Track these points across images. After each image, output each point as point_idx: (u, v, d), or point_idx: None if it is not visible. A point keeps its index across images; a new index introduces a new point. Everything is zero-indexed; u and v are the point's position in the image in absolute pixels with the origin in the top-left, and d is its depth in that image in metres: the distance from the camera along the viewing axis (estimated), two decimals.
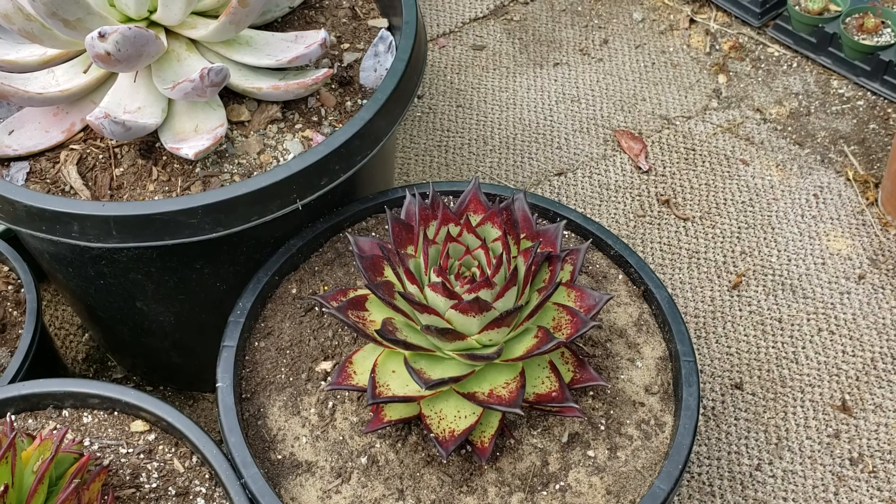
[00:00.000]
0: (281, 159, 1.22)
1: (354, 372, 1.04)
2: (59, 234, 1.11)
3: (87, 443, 1.08)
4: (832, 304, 1.66)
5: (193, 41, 1.27)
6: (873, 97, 2.03)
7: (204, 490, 1.05)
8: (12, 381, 1.23)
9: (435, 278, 0.98)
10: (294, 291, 1.21)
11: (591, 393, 1.11)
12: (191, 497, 1.05)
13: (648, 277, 1.21)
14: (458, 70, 2.10)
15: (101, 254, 1.19)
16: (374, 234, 1.27)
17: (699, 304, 1.67)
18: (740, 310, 1.66)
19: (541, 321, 1.03)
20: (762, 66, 2.13)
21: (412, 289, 1.00)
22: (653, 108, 2.02)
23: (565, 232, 1.28)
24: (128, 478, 1.05)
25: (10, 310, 1.36)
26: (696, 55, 2.15)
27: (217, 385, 1.09)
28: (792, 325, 1.64)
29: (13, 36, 1.27)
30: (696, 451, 1.49)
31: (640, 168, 1.89)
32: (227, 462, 1.04)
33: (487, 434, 1.01)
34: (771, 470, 1.47)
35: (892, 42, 2.02)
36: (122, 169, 1.22)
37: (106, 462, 1.04)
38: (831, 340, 1.61)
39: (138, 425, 1.10)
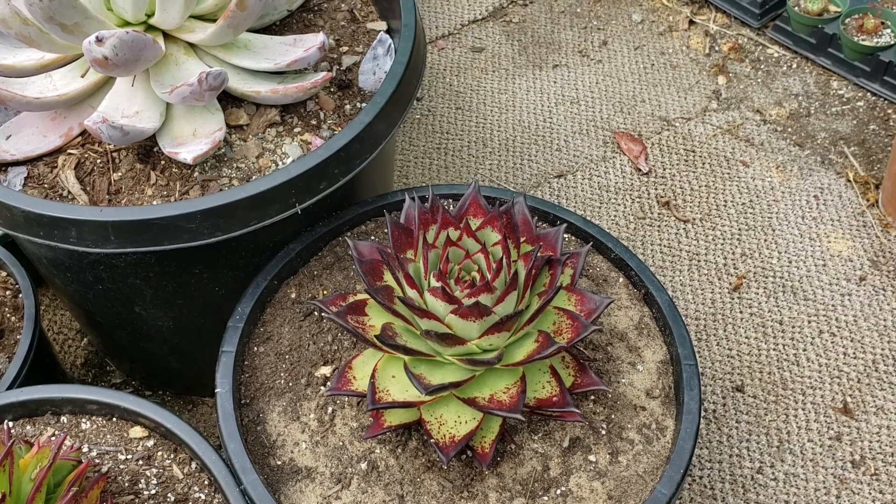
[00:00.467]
0: (280, 163, 1.22)
1: (354, 377, 1.04)
2: (57, 239, 1.11)
3: (85, 449, 1.07)
4: (833, 305, 1.66)
5: (191, 45, 1.26)
6: (873, 98, 2.02)
7: (203, 496, 1.05)
8: (10, 387, 1.23)
9: (435, 283, 0.98)
10: (293, 296, 1.20)
11: (592, 397, 1.10)
12: (190, 503, 1.04)
13: (649, 281, 1.20)
14: (457, 72, 2.09)
15: (99, 259, 1.18)
16: (373, 237, 1.27)
17: (700, 307, 1.67)
18: (741, 312, 1.66)
19: (541, 325, 1.03)
20: (762, 67, 2.12)
21: (412, 293, 0.99)
22: (652, 110, 2.02)
23: (565, 235, 1.27)
24: (127, 484, 1.04)
25: (8, 315, 1.35)
26: (695, 56, 2.15)
27: (216, 390, 1.08)
28: (793, 327, 1.63)
29: (10, 40, 1.26)
30: (697, 454, 1.48)
31: (639, 170, 1.89)
32: (226, 468, 1.03)
33: (488, 439, 1.01)
34: (772, 473, 1.46)
35: (892, 43, 2.01)
36: (120, 173, 1.22)
37: (104, 469, 1.03)
38: (832, 342, 1.61)
39: (137, 431, 1.10)
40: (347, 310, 1.03)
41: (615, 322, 1.19)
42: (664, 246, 1.76)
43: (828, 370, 1.57)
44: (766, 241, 1.76)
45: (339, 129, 1.25)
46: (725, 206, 1.82)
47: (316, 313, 1.18)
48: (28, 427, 1.09)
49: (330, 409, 1.09)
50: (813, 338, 1.62)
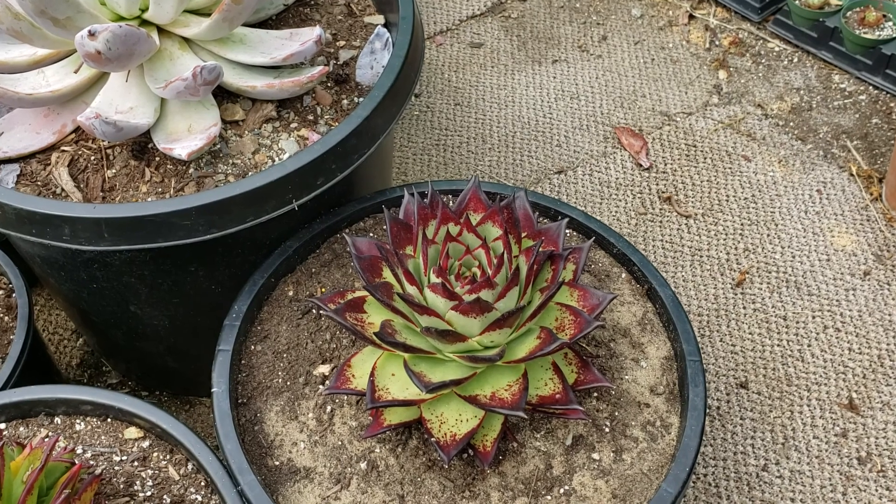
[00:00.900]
0: (276, 159, 1.20)
1: (353, 375, 1.02)
2: (50, 237, 1.09)
3: (79, 451, 1.05)
4: (837, 300, 1.64)
5: (186, 40, 1.24)
6: (875, 91, 2.01)
7: (199, 498, 1.03)
8: (3, 387, 1.21)
9: (434, 279, 0.96)
10: (291, 294, 1.19)
11: (596, 394, 1.08)
12: None
13: (652, 275, 1.18)
14: (456, 68, 2.08)
15: (93, 257, 1.17)
16: (372, 234, 1.25)
17: (703, 303, 1.65)
18: (744, 308, 1.64)
19: (543, 321, 1.01)
20: (762, 61, 2.10)
21: (411, 290, 0.97)
22: (653, 105, 2.00)
23: (567, 230, 1.25)
24: (122, 486, 1.02)
25: (2, 315, 1.33)
26: (695, 51, 2.13)
27: (213, 390, 1.06)
28: (797, 322, 1.62)
29: (2, 36, 1.24)
30: (701, 451, 1.46)
31: (640, 165, 1.87)
32: (223, 469, 1.02)
33: (490, 438, 0.99)
34: (778, 470, 1.44)
35: (894, 36, 1.99)
36: (114, 170, 1.20)
37: (98, 470, 1.01)
38: (837, 338, 1.59)
39: (132, 432, 1.08)
40: (346, 307, 1.01)
41: (618, 318, 1.17)
42: (666, 242, 1.74)
43: (833, 366, 1.56)
44: (768, 235, 1.74)
45: (337, 124, 1.23)
46: (728, 200, 1.80)
47: (314, 311, 1.16)
48: (21, 428, 1.07)
49: (329, 408, 1.07)
50: (817, 333, 1.60)
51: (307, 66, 1.29)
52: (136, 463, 1.05)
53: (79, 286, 1.26)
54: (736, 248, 1.73)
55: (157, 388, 1.55)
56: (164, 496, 1.02)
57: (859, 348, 1.58)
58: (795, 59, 2.10)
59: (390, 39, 1.32)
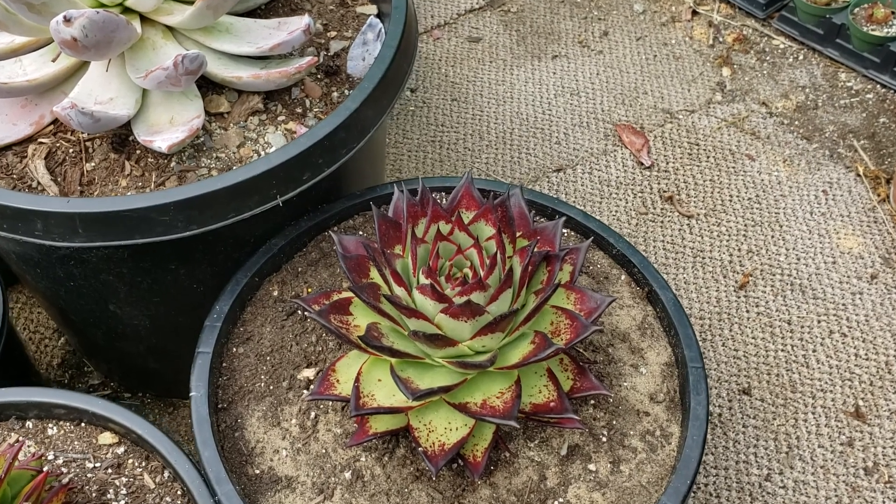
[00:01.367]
0: (262, 153, 1.15)
1: (338, 381, 0.97)
2: (22, 232, 1.04)
3: (50, 456, 1.00)
4: (844, 305, 1.59)
5: (170, 28, 1.19)
6: (883, 90, 1.96)
7: None
8: None
9: (423, 280, 0.91)
10: (276, 294, 1.14)
11: (593, 402, 1.03)
12: None
13: (653, 278, 1.13)
14: (454, 63, 2.02)
15: (68, 254, 1.12)
16: (361, 232, 1.20)
17: (704, 306, 1.60)
18: (747, 311, 1.59)
19: (538, 326, 0.96)
20: (767, 58, 2.05)
21: (399, 291, 0.92)
22: (655, 102, 1.95)
23: (564, 230, 1.20)
24: (94, 494, 0.97)
25: None
26: (698, 47, 2.08)
27: (191, 394, 1.02)
28: (802, 327, 1.57)
29: None
30: (702, 460, 1.41)
31: (642, 163, 1.82)
32: (200, 478, 0.97)
33: (480, 447, 0.94)
34: (781, 480, 1.39)
35: None
36: (93, 163, 1.15)
37: (66, 480, 0.96)
38: (843, 343, 1.54)
39: (107, 437, 1.03)
40: (330, 309, 0.96)
41: (617, 322, 1.12)
42: (667, 242, 1.69)
43: (839, 372, 1.51)
44: (773, 237, 1.69)
45: (326, 117, 1.18)
46: (731, 200, 1.75)
47: (299, 312, 1.11)
48: None
49: (313, 414, 1.02)
50: (823, 338, 1.55)
51: (296, 56, 1.24)
52: (109, 470, 1.00)
53: (56, 284, 1.21)
54: (739, 250, 1.68)
55: (139, 390, 1.50)
56: None
57: (866, 354, 1.53)
58: (801, 57, 2.05)
59: (383, 30, 1.27)
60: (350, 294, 1.00)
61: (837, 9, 2.01)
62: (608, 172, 1.81)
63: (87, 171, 1.14)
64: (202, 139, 1.16)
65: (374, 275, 0.98)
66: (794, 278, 1.63)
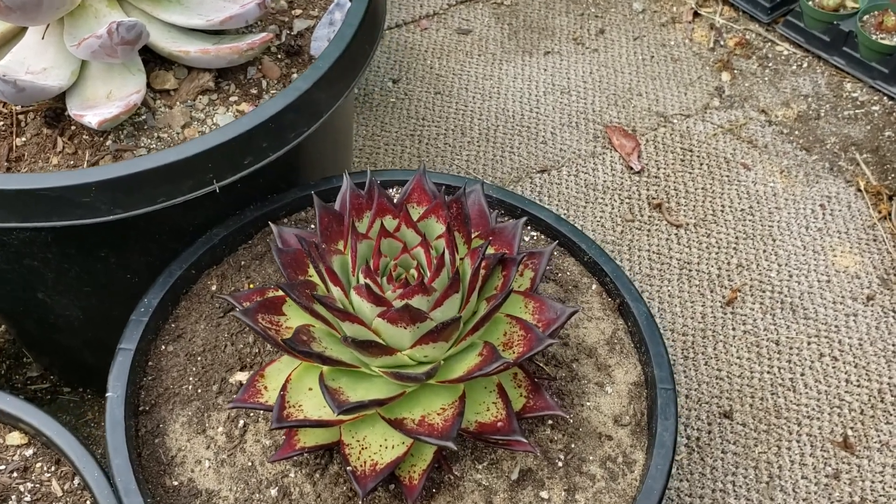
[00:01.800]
0: None
1: (265, 388, 0.87)
2: None
3: None
4: (836, 326, 1.49)
5: None
6: (890, 102, 1.86)
7: None
8: None
9: (362, 279, 0.82)
10: (214, 288, 1.04)
11: (550, 422, 0.94)
12: None
13: (625, 289, 1.04)
14: (440, 55, 1.93)
15: None
16: (312, 226, 1.10)
17: (688, 321, 1.50)
18: (734, 329, 1.49)
19: (489, 336, 0.86)
20: (769, 64, 1.96)
21: (335, 291, 0.83)
22: (649, 105, 1.85)
23: (535, 233, 1.11)
24: None
25: None
26: (698, 50, 1.98)
27: (107, 395, 0.92)
28: (790, 348, 1.47)
29: None
30: (677, 486, 1.32)
31: (631, 168, 1.72)
32: (109, 488, 0.87)
33: (419, 469, 0.85)
34: None
35: None
36: (24, 139, 1.06)
37: None
38: (834, 368, 1.44)
39: (15, 437, 0.94)
40: (259, 307, 0.87)
41: (583, 335, 1.02)
42: (653, 252, 1.59)
43: (827, 399, 1.41)
44: (765, 251, 1.60)
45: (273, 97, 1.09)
46: (723, 211, 1.66)
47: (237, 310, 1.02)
48: None
49: (242, 422, 0.93)
50: (812, 361, 1.45)
51: (252, 33, 1.14)
52: (14, 474, 0.91)
53: None
54: (728, 264, 1.58)
55: (79, 385, 1.40)
56: None
57: (858, 380, 1.43)
58: (805, 65, 1.96)
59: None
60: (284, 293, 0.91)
61: (846, 15, 1.91)
62: (595, 176, 1.71)
63: (16, 147, 1.05)
64: (144, 117, 1.07)
65: (312, 273, 0.89)
66: (786, 296, 1.53)
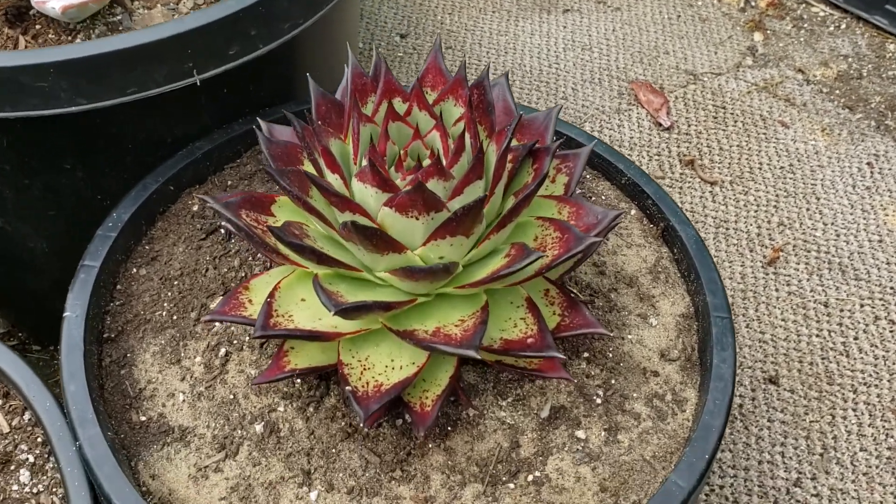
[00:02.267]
0: None
1: (249, 301, 0.73)
2: None
3: None
4: (892, 288, 1.35)
5: None
6: None
7: (32, 459, 0.75)
8: None
9: (365, 163, 0.68)
10: (196, 209, 0.91)
11: (586, 355, 0.80)
12: (12, 468, 0.74)
13: (671, 211, 0.90)
14: (451, 10, 1.80)
15: None
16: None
17: (727, 282, 1.36)
18: (777, 290, 1.35)
19: (516, 238, 0.72)
20: (805, 25, 1.82)
21: (333, 179, 0.69)
22: (677, 63, 1.72)
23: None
24: None
25: None
26: (727, 10, 1.85)
27: (64, 314, 0.78)
28: (841, 311, 1.32)
29: None
30: (718, 457, 1.17)
31: (660, 124, 1.59)
32: (64, 420, 0.73)
33: (432, 393, 0.70)
34: (815, 487, 1.14)
35: None
36: None
37: None
38: (891, 332, 1.30)
39: None
40: (243, 202, 0.73)
41: (623, 262, 0.88)
42: (686, 210, 1.45)
43: (886, 364, 1.26)
44: (808, 210, 1.45)
45: None
46: (760, 168, 1.52)
47: (222, 230, 0.88)
48: None
49: (223, 350, 0.79)
50: (867, 325, 1.31)
51: None
52: None
53: None
54: (769, 222, 1.44)
55: (49, 342, 1.26)
56: None
57: None
58: (843, 26, 1.82)
59: None
60: (275, 194, 0.77)
61: None
62: (621, 132, 1.57)
63: None
64: (119, 17, 0.94)
65: (308, 165, 0.75)
66: (833, 256, 1.39)
